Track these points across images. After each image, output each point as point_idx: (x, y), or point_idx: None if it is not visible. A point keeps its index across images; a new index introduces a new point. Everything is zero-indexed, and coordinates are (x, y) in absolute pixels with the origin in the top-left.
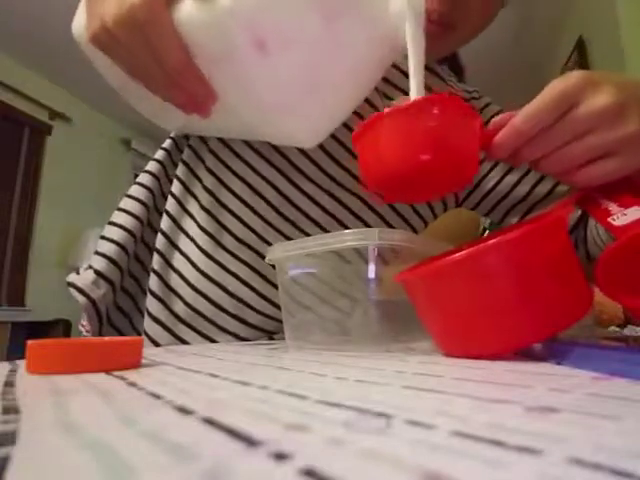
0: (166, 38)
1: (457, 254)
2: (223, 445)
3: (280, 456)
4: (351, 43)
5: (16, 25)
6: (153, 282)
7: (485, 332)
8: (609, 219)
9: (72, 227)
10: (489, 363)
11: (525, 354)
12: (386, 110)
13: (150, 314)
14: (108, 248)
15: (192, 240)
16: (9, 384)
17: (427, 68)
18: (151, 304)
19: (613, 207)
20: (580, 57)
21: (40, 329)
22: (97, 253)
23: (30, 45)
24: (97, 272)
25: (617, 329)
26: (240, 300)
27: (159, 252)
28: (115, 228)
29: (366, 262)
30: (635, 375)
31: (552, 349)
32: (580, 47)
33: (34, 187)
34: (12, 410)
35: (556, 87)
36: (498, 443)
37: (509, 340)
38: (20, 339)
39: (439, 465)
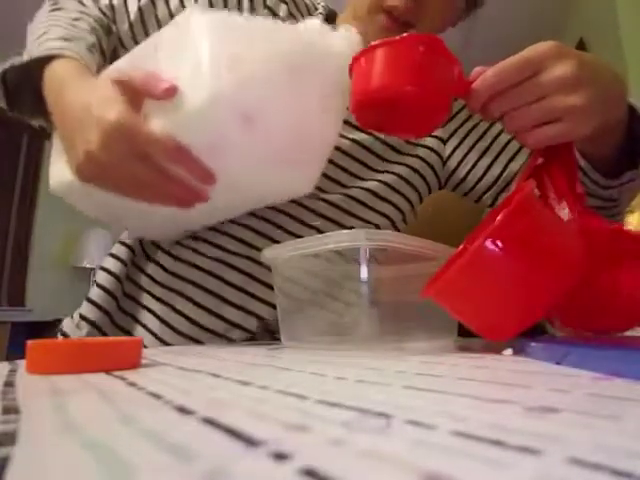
0: (150, 134)
1: (459, 261)
2: (223, 445)
3: (280, 456)
4: (320, 90)
5: (17, 27)
6: (156, 307)
7: (513, 312)
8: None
9: (72, 227)
10: (490, 363)
11: (525, 354)
12: (378, 41)
13: (154, 334)
14: (93, 292)
15: (196, 267)
16: (9, 384)
17: None
18: (154, 325)
19: (552, 194)
20: None
21: (40, 329)
22: (85, 298)
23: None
24: (80, 315)
25: None
26: (248, 312)
27: (161, 284)
28: (102, 273)
29: (359, 263)
30: (635, 375)
31: (552, 349)
32: (581, 48)
33: (34, 187)
34: (12, 410)
35: (527, 52)
36: (498, 443)
37: (532, 311)
38: (20, 339)
39: (439, 465)
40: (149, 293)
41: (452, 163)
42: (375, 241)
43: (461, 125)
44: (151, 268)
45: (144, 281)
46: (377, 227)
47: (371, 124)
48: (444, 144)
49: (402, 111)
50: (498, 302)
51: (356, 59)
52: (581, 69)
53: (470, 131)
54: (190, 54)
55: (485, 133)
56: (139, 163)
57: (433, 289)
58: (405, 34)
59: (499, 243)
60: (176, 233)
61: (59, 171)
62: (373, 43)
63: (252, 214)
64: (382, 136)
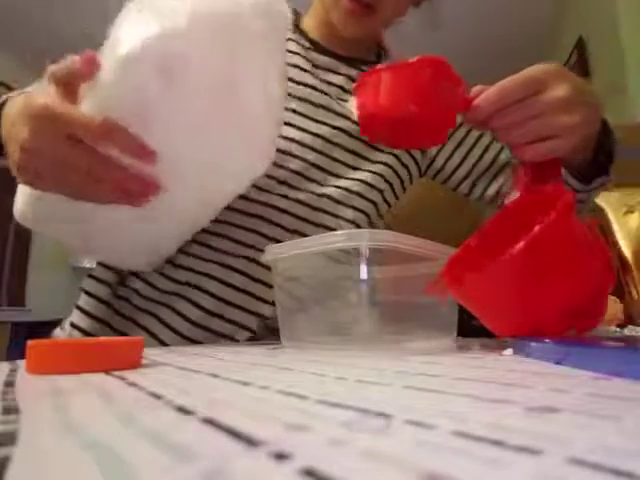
0: (73, 112)
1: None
2: (223, 445)
3: (280, 456)
4: (253, 49)
5: (18, 29)
6: (164, 313)
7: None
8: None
9: None
10: (490, 363)
11: (525, 354)
12: (385, 64)
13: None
14: (82, 300)
15: (206, 275)
16: (9, 384)
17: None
18: (161, 332)
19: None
20: (580, 57)
21: (40, 329)
22: (76, 307)
23: (31, 49)
24: (72, 324)
25: (617, 329)
26: (251, 312)
27: (164, 291)
28: (91, 280)
29: (359, 262)
30: (635, 375)
31: (552, 349)
32: (580, 47)
33: None
34: (12, 410)
35: (526, 73)
36: (498, 443)
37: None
38: (20, 339)
39: (439, 465)
40: (147, 298)
41: (431, 152)
42: (376, 241)
43: None
44: (147, 273)
45: (140, 285)
46: (368, 216)
47: (380, 140)
48: None
49: (409, 129)
50: (523, 301)
51: (363, 80)
52: (575, 92)
53: None
54: (116, 26)
55: (460, 126)
56: (71, 148)
57: (464, 280)
58: (414, 58)
59: (539, 247)
60: (150, 256)
61: (17, 200)
62: (380, 66)
63: (249, 214)
64: None
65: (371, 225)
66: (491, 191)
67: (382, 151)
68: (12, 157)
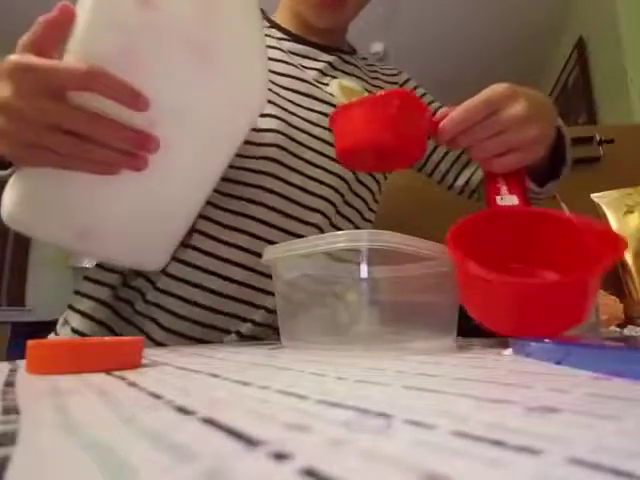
0: (52, 62)
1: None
2: (223, 445)
3: (280, 456)
4: None
5: (18, 29)
6: (164, 317)
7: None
8: (497, 197)
9: None
10: (490, 363)
11: (525, 354)
12: (358, 99)
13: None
14: (81, 303)
15: (196, 267)
16: (9, 384)
17: (346, 61)
18: (161, 335)
19: (504, 188)
20: (580, 57)
21: (40, 329)
22: (72, 309)
23: None
24: (73, 330)
25: (617, 329)
26: (252, 304)
27: (165, 291)
28: (91, 284)
29: (359, 263)
30: (635, 375)
31: (552, 349)
32: (580, 47)
33: None
34: (12, 410)
35: (486, 94)
36: (498, 443)
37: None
38: (20, 339)
39: (439, 465)
40: (148, 300)
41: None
42: (376, 241)
43: None
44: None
45: (141, 284)
46: (341, 195)
47: (357, 166)
48: None
49: (383, 154)
50: (519, 323)
51: (338, 113)
52: (531, 108)
53: None
54: None
55: None
56: (55, 104)
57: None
58: (382, 91)
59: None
60: (155, 247)
61: (4, 200)
62: (353, 100)
63: (255, 201)
64: None
65: (345, 203)
66: (461, 181)
67: None
68: None
